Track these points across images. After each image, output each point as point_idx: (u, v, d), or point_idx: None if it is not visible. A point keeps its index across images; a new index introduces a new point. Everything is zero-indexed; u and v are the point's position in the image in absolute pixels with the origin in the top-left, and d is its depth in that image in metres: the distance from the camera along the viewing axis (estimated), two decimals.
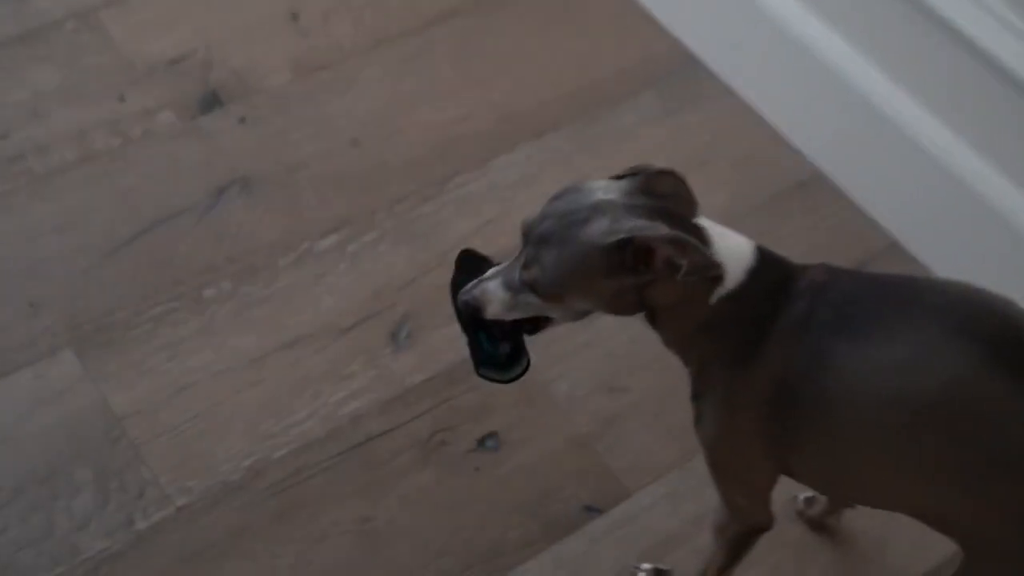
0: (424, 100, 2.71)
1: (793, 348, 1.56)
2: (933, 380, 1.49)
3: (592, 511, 2.16)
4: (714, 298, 1.55)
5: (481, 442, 2.22)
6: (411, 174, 2.59)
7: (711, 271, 1.48)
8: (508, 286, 1.57)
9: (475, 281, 1.60)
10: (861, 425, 1.54)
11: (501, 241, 2.50)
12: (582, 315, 1.58)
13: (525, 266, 1.54)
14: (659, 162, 2.65)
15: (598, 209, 1.49)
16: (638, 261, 1.48)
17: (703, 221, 1.55)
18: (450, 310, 2.39)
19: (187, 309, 2.34)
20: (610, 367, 2.31)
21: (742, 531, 1.82)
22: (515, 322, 1.62)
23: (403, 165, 2.60)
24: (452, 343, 2.35)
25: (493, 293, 1.58)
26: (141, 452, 2.15)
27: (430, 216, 2.53)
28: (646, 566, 2.07)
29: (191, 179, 2.52)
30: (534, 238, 1.53)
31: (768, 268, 1.57)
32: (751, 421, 1.63)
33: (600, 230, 1.47)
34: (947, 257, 2.45)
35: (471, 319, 1.63)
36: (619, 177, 1.55)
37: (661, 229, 1.46)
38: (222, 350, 2.30)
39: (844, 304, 1.55)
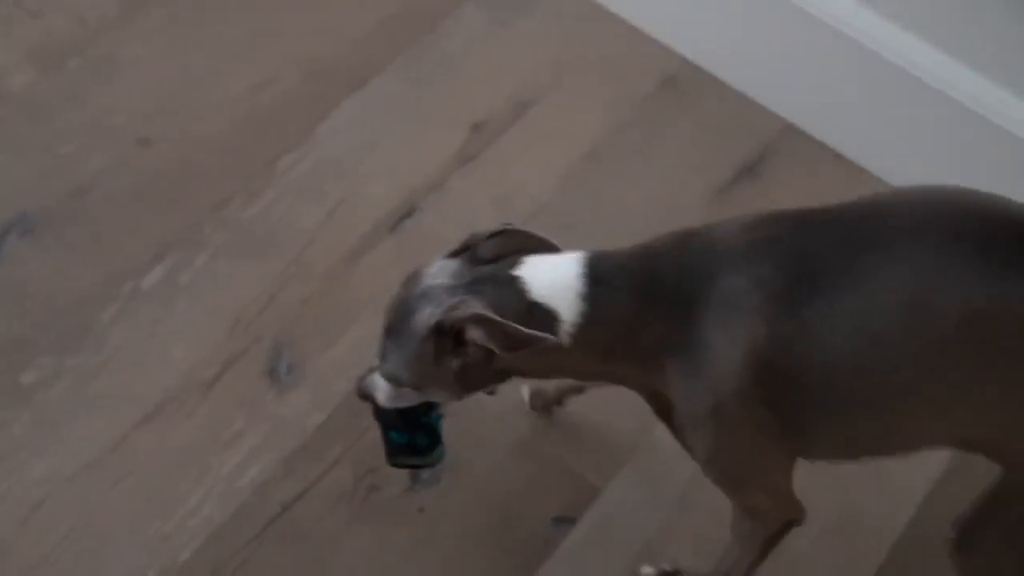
0: (213, 70, 2.35)
1: (757, 330, 1.44)
2: (946, 306, 1.41)
3: (564, 522, 1.96)
4: (567, 339, 1.52)
5: (415, 477, 1.97)
6: (227, 167, 2.25)
7: (522, 342, 1.47)
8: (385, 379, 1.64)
9: (366, 370, 1.71)
10: (880, 379, 1.44)
11: (360, 226, 2.21)
12: (461, 394, 1.62)
13: (381, 359, 1.61)
14: (503, 87, 2.40)
15: (425, 296, 1.54)
16: (458, 343, 1.52)
17: (526, 268, 1.53)
18: (327, 323, 2.11)
19: (6, 403, 1.98)
20: None
21: (776, 532, 1.69)
22: (416, 409, 1.75)
23: (213, 158, 2.26)
24: (343, 366, 2.07)
25: (376, 384, 1.69)
26: None
27: (266, 214, 2.21)
28: (648, 570, 1.90)
29: None
30: (385, 330, 1.60)
31: (623, 270, 1.52)
32: (742, 422, 1.50)
33: (422, 320, 1.53)
34: (848, 129, 2.31)
35: (378, 416, 1.78)
36: (455, 253, 1.58)
37: (467, 309, 1.49)
38: (68, 445, 1.95)
39: (797, 263, 1.44)
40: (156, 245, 2.16)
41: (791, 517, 1.67)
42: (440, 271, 1.56)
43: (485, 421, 2.01)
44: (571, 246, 2.18)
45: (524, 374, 1.62)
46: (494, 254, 1.57)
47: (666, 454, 2.02)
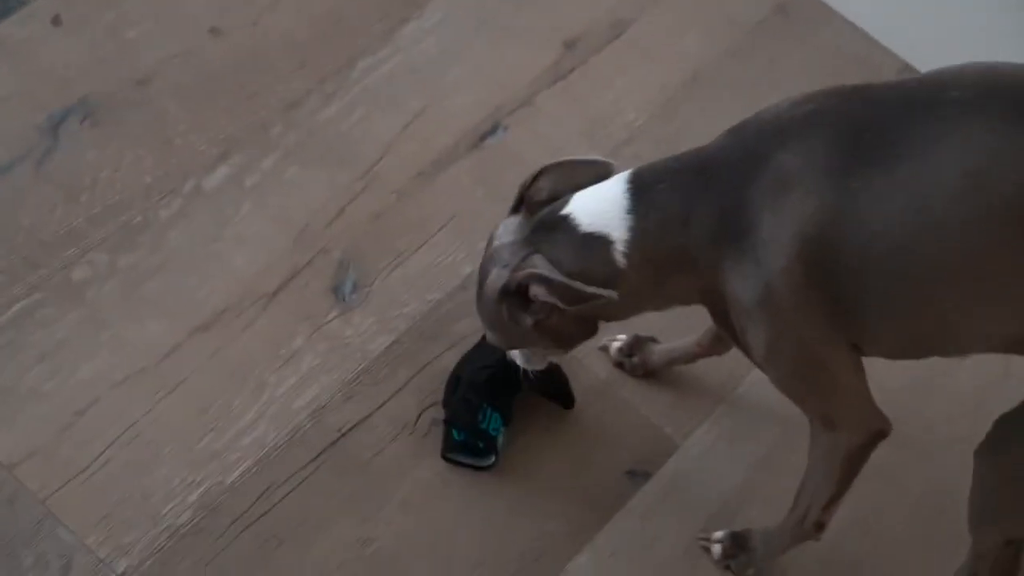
0: None
1: (806, 205, 1.42)
2: (1007, 180, 1.37)
3: (637, 476, 1.92)
4: (622, 260, 1.53)
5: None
6: (300, 65, 2.20)
7: (588, 299, 1.51)
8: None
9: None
10: (938, 255, 1.41)
11: (440, 140, 2.15)
12: (559, 349, 1.69)
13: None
14: (601, 2, 2.33)
15: (493, 259, 1.61)
16: (526, 301, 1.58)
17: (574, 203, 1.56)
18: (398, 240, 2.06)
19: (56, 300, 1.94)
20: None
21: (859, 444, 1.61)
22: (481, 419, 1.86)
23: (286, 54, 2.20)
24: (413, 286, 2.02)
25: (515, 356, 1.77)
26: (51, 509, 1.79)
27: (340, 119, 2.15)
28: (719, 534, 1.85)
29: (10, 115, 2.08)
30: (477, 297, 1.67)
31: (668, 172, 1.53)
32: (795, 305, 1.46)
33: (491, 284, 1.61)
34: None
35: (446, 410, 1.89)
36: (515, 207, 1.63)
37: (525, 267, 1.54)
38: (118, 348, 1.92)
39: (849, 134, 1.42)
40: (222, 143, 2.11)
41: (873, 427, 1.60)
42: (505, 230, 1.62)
43: (563, 362, 1.96)
44: None
45: (606, 317, 1.64)
46: (549, 196, 1.60)
47: (750, 412, 1.97)
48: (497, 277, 1.59)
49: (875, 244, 1.42)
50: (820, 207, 1.42)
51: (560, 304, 1.53)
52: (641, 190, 1.53)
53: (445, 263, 2.05)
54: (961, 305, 1.45)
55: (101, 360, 1.91)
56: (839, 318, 1.48)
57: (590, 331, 1.65)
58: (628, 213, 1.52)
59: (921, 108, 1.41)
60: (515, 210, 1.64)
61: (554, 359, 1.80)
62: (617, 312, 1.63)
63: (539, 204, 1.61)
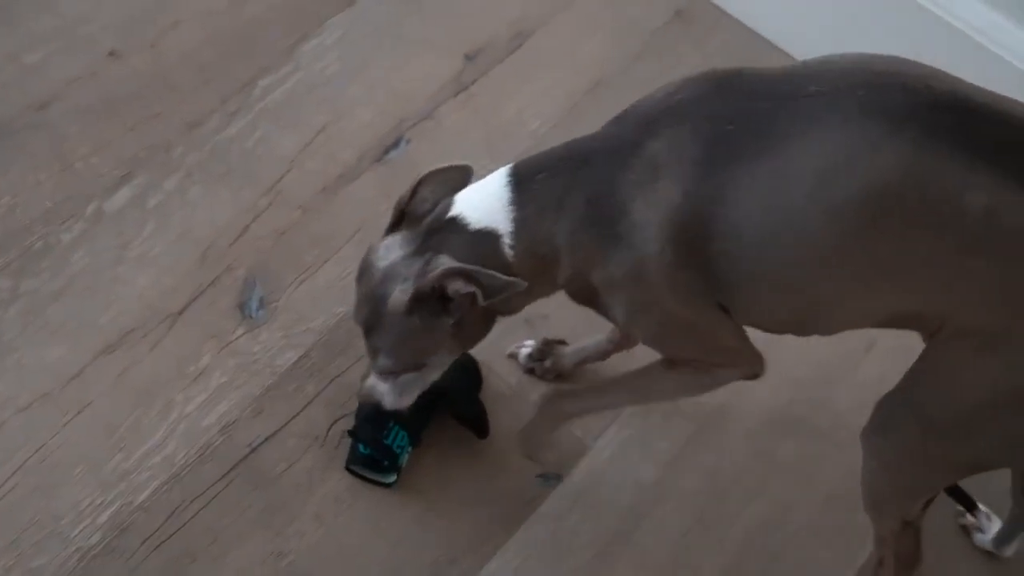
0: None
1: (673, 193, 1.51)
2: (859, 175, 1.46)
3: (549, 479, 1.98)
4: (511, 253, 1.62)
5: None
6: (202, 85, 2.26)
7: (503, 288, 1.59)
8: (382, 378, 1.76)
9: (360, 381, 1.82)
10: (795, 248, 1.51)
11: (344, 155, 2.22)
12: (461, 350, 1.76)
13: (372, 359, 1.73)
14: (502, 13, 2.41)
15: (387, 278, 1.65)
16: (443, 303, 1.63)
17: (458, 204, 1.64)
18: (304, 255, 2.12)
19: None
20: None
21: (727, 379, 1.73)
22: (387, 435, 1.91)
23: (187, 74, 2.27)
24: (320, 300, 2.08)
25: (376, 388, 1.79)
26: None
27: (242, 138, 2.22)
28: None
29: None
30: (364, 330, 1.70)
31: (547, 161, 1.61)
32: (661, 282, 1.56)
33: (397, 300, 1.64)
34: None
35: (356, 422, 1.94)
36: (392, 227, 1.69)
37: (437, 266, 1.60)
38: (22, 373, 1.97)
39: (716, 126, 1.51)
40: (124, 164, 2.16)
41: (747, 371, 1.72)
42: (387, 250, 1.67)
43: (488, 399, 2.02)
44: None
45: (505, 311, 1.71)
46: (432, 205, 1.66)
47: (661, 410, 2.05)
48: (402, 291, 1.63)
49: (740, 232, 1.51)
50: (687, 195, 1.51)
51: (481, 294, 1.59)
52: (521, 182, 1.61)
53: (351, 276, 2.07)
54: (825, 290, 1.55)
55: (6, 385, 1.95)
56: (711, 291, 1.58)
57: (488, 328, 1.72)
58: (510, 205, 1.61)
59: (784, 102, 1.50)
60: (393, 228, 1.69)
61: (444, 367, 1.80)
62: (515, 304, 1.69)
63: (422, 216, 1.66)
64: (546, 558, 1.92)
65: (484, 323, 1.72)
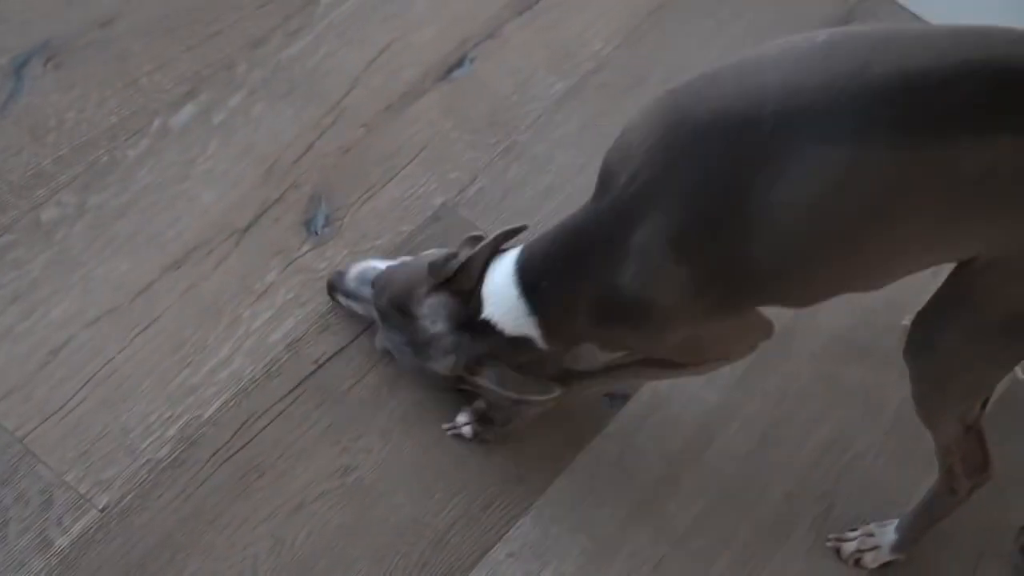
0: None
1: (674, 276, 1.59)
2: (857, 198, 1.49)
3: (616, 401, 1.99)
4: (545, 345, 1.78)
5: None
6: (264, 2, 2.26)
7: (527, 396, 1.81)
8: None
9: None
10: (827, 252, 1.55)
11: (406, 74, 2.22)
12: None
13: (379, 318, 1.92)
14: None
15: (430, 343, 1.83)
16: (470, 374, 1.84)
17: (489, 307, 1.77)
18: (368, 173, 2.13)
19: (27, 241, 2.01)
20: None
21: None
22: None
23: None
24: (384, 218, 2.09)
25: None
26: (30, 447, 1.85)
27: (306, 56, 2.22)
28: (462, 418, 1.96)
29: None
30: (382, 315, 1.90)
31: (548, 265, 1.72)
32: (693, 317, 1.65)
33: (441, 365, 1.83)
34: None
35: None
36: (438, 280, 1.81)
37: (482, 374, 1.81)
38: (90, 288, 1.98)
39: (695, 202, 1.55)
40: (188, 81, 2.17)
41: (757, 344, 1.82)
42: (432, 311, 1.81)
43: None
44: (635, 109, 2.19)
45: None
46: (474, 278, 1.80)
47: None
48: (444, 364, 1.82)
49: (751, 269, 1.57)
50: (689, 274, 1.59)
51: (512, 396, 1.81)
52: (531, 290, 1.74)
53: (416, 195, 2.12)
54: (859, 272, 1.60)
55: (73, 300, 1.97)
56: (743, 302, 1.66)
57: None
58: (531, 315, 1.75)
59: (743, 143, 1.50)
60: (435, 288, 1.81)
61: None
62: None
63: (466, 290, 1.80)
64: (613, 477, 1.94)
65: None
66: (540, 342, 1.77)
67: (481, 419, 1.93)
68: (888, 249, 1.54)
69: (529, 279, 1.74)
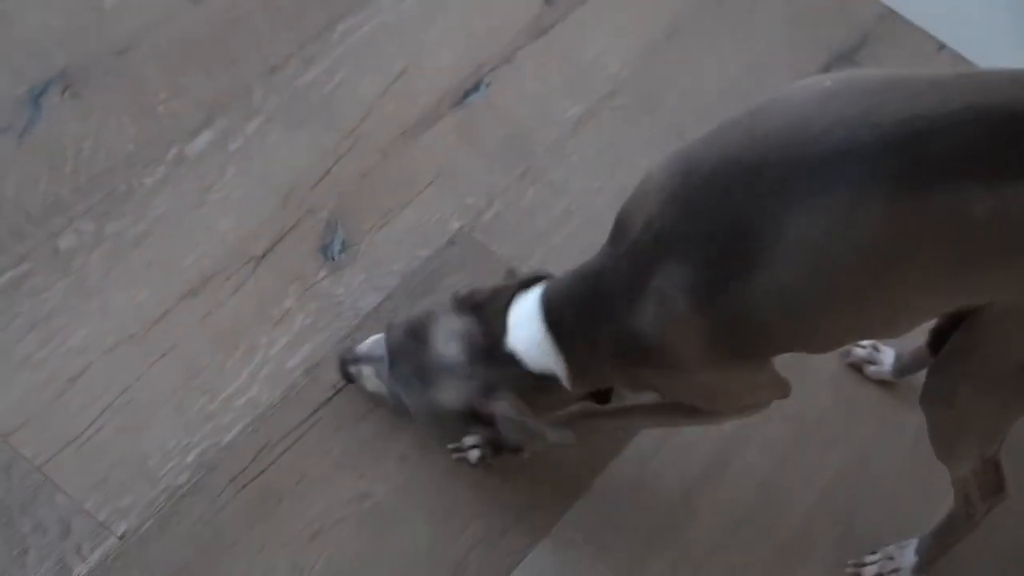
0: None
1: (692, 321, 1.59)
2: (852, 248, 1.49)
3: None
4: (570, 385, 1.77)
5: None
6: (281, 28, 2.27)
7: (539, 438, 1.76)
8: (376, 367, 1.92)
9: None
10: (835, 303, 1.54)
11: (423, 99, 2.23)
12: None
13: (387, 367, 1.87)
14: None
15: (444, 371, 1.79)
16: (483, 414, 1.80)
17: (512, 338, 1.76)
18: (384, 199, 2.14)
19: (44, 270, 2.02)
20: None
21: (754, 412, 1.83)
22: None
23: (266, 18, 2.28)
24: (401, 243, 2.10)
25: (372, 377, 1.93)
26: (48, 475, 1.86)
27: (322, 81, 2.23)
28: (470, 440, 1.96)
29: None
30: (392, 357, 1.85)
31: (571, 307, 1.72)
32: (712, 367, 1.65)
33: (447, 399, 1.79)
34: (956, 18, 2.32)
35: None
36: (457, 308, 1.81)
37: (496, 406, 1.76)
38: (108, 315, 2.00)
39: (710, 247, 1.56)
40: (204, 108, 2.18)
41: (780, 397, 1.79)
42: (447, 337, 1.79)
43: None
44: (653, 130, 2.22)
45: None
46: (482, 300, 1.80)
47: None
48: (455, 398, 1.78)
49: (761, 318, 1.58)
50: (706, 319, 1.59)
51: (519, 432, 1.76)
52: (556, 327, 1.74)
53: (433, 220, 2.13)
54: (875, 316, 1.58)
55: (91, 327, 1.99)
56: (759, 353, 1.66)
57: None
58: (559, 354, 1.74)
59: (752, 194, 1.51)
60: (458, 311, 1.80)
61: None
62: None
63: (479, 306, 1.80)
64: (630, 502, 1.94)
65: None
66: (565, 381, 1.76)
67: (490, 444, 1.93)
68: (899, 299, 1.53)
69: (553, 318, 1.74)
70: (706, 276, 1.56)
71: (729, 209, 1.52)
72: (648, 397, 1.88)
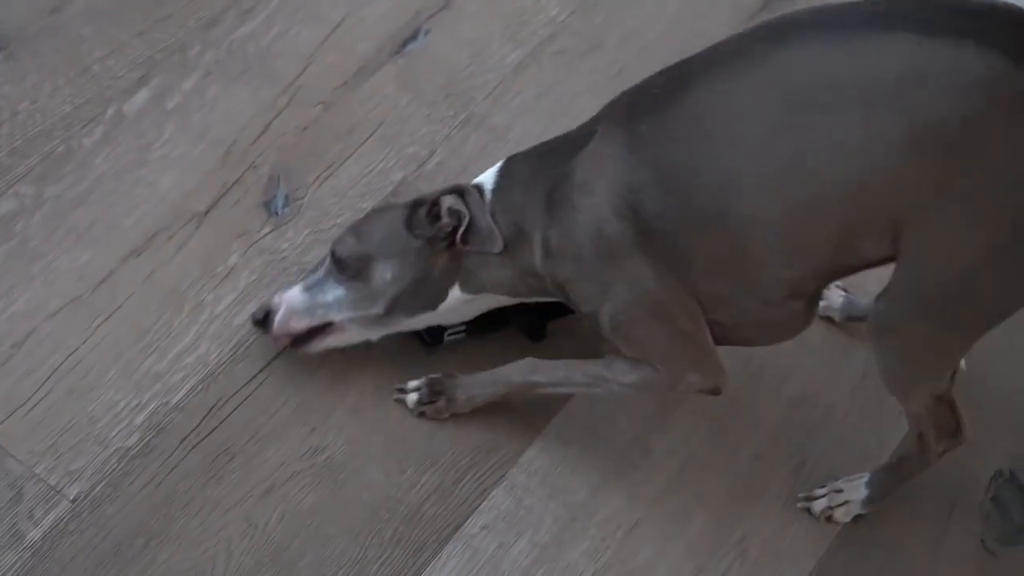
0: None
1: (619, 164, 1.67)
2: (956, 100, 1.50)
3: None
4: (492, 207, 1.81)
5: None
6: None
7: (487, 232, 1.78)
8: (307, 287, 1.89)
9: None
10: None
11: (362, 49, 2.22)
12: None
13: (338, 243, 1.87)
14: None
15: (391, 206, 1.90)
16: (431, 218, 1.80)
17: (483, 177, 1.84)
18: (327, 151, 2.13)
19: None
20: None
21: (694, 388, 1.81)
22: None
23: None
24: (344, 196, 2.10)
25: (290, 298, 1.90)
26: None
27: (260, 34, 2.22)
28: (414, 383, 1.95)
29: None
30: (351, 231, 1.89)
31: (525, 159, 1.82)
32: (629, 256, 1.68)
33: (396, 210, 1.86)
34: None
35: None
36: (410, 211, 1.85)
37: (444, 201, 1.80)
38: (51, 279, 1.98)
39: (644, 96, 1.69)
40: (140, 66, 2.16)
41: (717, 379, 1.80)
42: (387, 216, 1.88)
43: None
44: (594, 73, 2.21)
45: (468, 286, 1.85)
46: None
47: None
48: (403, 204, 1.85)
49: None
50: (632, 163, 1.66)
51: (464, 219, 1.77)
52: (508, 166, 1.83)
53: (375, 171, 2.13)
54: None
55: (35, 291, 1.97)
56: (672, 271, 1.68)
57: (435, 297, 1.85)
58: (495, 174, 1.83)
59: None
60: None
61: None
62: (482, 281, 1.83)
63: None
64: (584, 443, 1.95)
65: (440, 280, 1.83)
66: (488, 192, 1.80)
67: (431, 390, 1.92)
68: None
69: (510, 159, 1.83)
70: (638, 120, 1.67)
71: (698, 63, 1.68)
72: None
